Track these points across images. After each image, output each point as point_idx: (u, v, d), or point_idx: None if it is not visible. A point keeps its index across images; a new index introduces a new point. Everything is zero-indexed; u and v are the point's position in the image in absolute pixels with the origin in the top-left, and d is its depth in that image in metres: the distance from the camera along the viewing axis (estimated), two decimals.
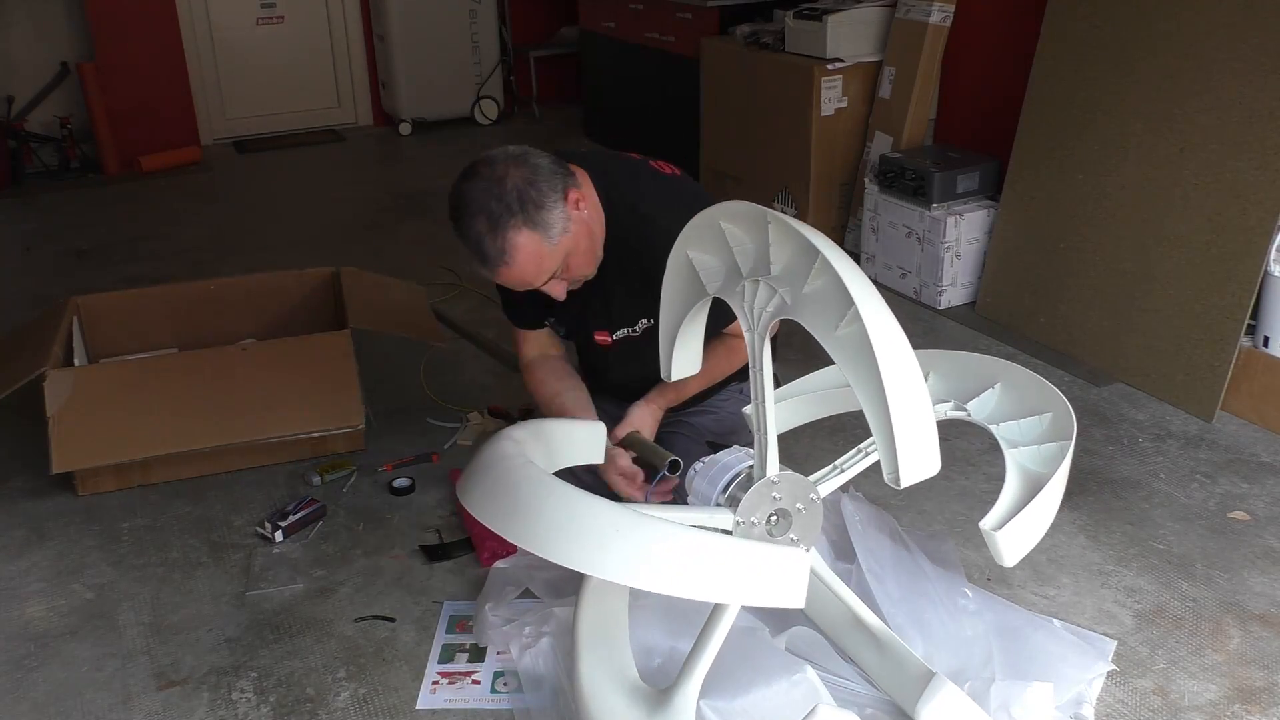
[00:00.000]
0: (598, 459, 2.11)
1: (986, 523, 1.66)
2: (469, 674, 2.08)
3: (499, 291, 2.32)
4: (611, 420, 2.20)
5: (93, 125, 5.78)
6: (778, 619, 2.05)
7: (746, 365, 2.18)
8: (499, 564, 2.30)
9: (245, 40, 6.34)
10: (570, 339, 2.40)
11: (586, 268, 2.09)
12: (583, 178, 2.10)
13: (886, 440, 1.49)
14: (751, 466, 1.80)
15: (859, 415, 1.54)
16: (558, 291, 2.07)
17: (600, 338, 2.27)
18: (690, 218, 1.99)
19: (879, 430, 1.51)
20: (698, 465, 1.88)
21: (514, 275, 1.99)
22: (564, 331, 2.37)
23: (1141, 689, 1.99)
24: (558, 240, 1.96)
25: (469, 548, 2.45)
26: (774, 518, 1.76)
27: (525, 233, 1.92)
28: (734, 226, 1.72)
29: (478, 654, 2.13)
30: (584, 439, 2.10)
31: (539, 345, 2.38)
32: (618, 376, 2.37)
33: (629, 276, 2.15)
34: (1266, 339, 2.87)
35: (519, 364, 2.45)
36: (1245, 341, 2.91)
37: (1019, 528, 1.65)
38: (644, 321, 2.23)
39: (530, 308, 2.32)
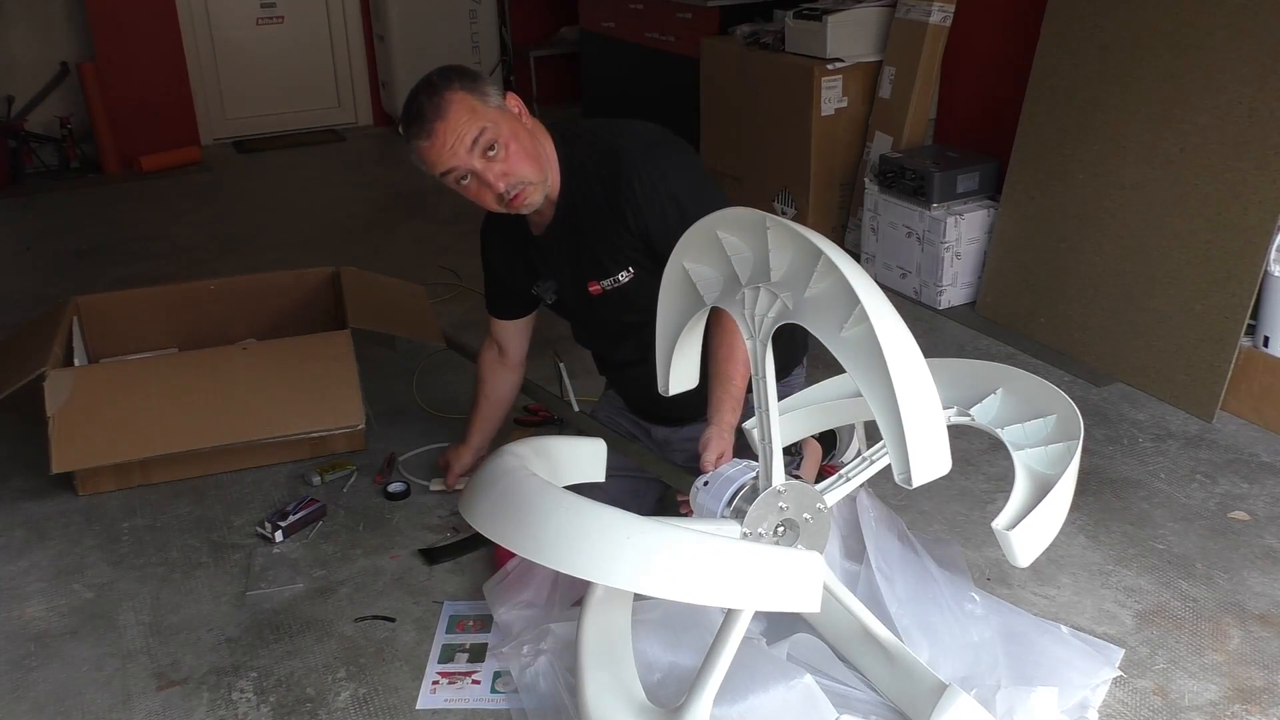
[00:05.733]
0: (599, 477, 2.09)
1: (999, 523, 1.63)
2: (469, 674, 2.08)
3: (485, 274, 2.45)
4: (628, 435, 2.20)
5: (93, 125, 5.78)
6: (779, 626, 2.04)
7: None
8: (507, 566, 2.29)
9: (245, 40, 6.34)
10: (561, 301, 2.37)
11: (526, 170, 2.05)
12: (539, 128, 2.16)
13: (896, 440, 1.46)
14: (755, 478, 1.77)
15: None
16: (493, 175, 2.02)
17: (593, 288, 2.25)
18: (669, 151, 2.09)
19: (888, 430, 1.48)
20: (701, 480, 1.85)
21: (447, 131, 1.97)
22: (553, 296, 2.35)
23: (1141, 689, 1.99)
24: (492, 104, 2.02)
25: (468, 548, 2.45)
26: (781, 529, 1.72)
27: (460, 93, 1.99)
28: (731, 235, 1.70)
29: (478, 654, 2.13)
30: (588, 457, 2.09)
31: (503, 336, 2.55)
32: (613, 328, 2.34)
33: (604, 222, 2.15)
34: (1266, 339, 2.87)
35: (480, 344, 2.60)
36: (1245, 341, 2.91)
37: (1031, 527, 1.63)
38: (625, 273, 2.19)
39: (510, 295, 2.45)
